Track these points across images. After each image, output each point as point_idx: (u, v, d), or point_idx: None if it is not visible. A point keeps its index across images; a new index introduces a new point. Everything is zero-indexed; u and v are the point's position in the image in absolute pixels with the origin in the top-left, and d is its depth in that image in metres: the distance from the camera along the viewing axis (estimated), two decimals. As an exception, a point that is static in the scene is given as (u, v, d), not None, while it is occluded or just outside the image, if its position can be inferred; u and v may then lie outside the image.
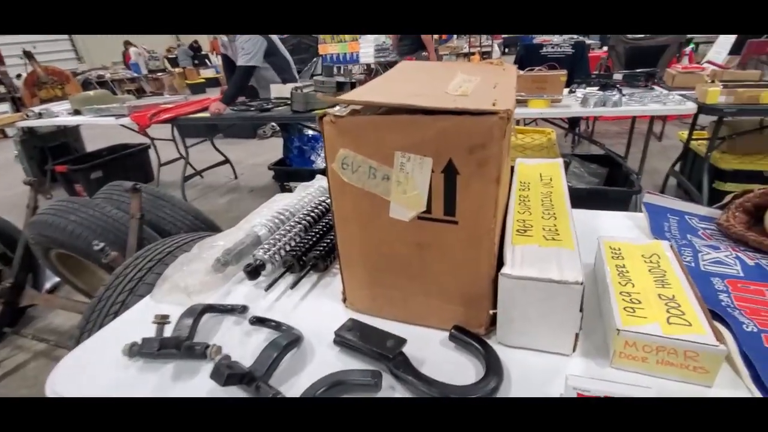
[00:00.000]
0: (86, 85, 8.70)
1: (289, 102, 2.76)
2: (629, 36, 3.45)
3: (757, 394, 0.45)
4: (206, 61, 13.39)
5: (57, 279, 2.14)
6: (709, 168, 2.12)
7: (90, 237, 1.38)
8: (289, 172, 2.88)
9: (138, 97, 4.11)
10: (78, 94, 3.49)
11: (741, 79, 2.11)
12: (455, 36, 10.12)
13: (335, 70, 9.43)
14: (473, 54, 8.12)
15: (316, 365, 0.54)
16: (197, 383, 0.52)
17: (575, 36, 4.84)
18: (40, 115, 3.48)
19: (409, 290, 0.58)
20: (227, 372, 0.46)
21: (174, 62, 13.04)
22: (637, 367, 0.49)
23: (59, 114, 3.42)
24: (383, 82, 0.62)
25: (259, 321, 0.59)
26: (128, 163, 3.68)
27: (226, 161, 3.78)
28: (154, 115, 2.82)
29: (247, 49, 2.81)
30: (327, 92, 2.51)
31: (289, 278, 0.73)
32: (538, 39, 4.90)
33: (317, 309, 0.66)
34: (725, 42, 3.94)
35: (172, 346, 0.54)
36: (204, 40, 15.49)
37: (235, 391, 0.50)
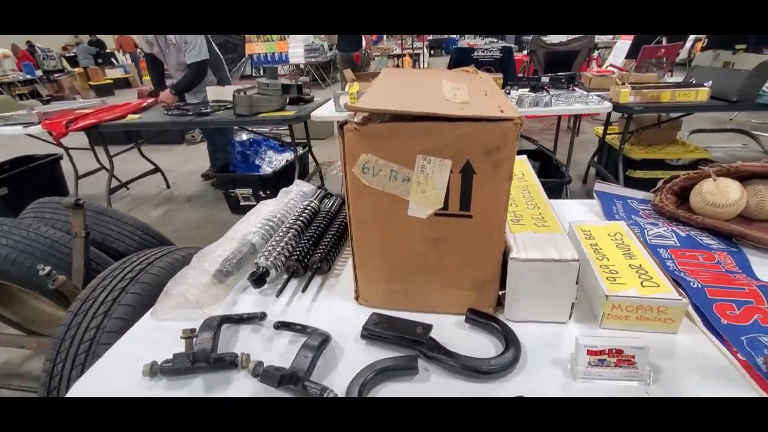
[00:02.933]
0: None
1: (229, 105, 2.65)
2: (548, 42, 3.85)
3: (710, 336, 0.57)
4: (112, 60, 12.09)
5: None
6: (623, 158, 2.46)
7: (27, 261, 1.22)
8: (236, 178, 2.76)
9: (45, 102, 3.61)
10: (-33, 100, 2.99)
11: (642, 82, 2.48)
12: (385, 37, 10.33)
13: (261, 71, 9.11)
14: (404, 56, 8.37)
15: (349, 359, 0.56)
16: (233, 392, 0.52)
17: (495, 40, 5.24)
18: None
19: (424, 282, 0.63)
20: (278, 374, 0.47)
21: (73, 61, 11.59)
22: (621, 325, 0.59)
23: (-59, 123, 2.90)
24: (383, 89, 0.66)
25: (284, 325, 0.60)
26: (37, 177, 3.24)
27: (157, 170, 3.49)
28: (71, 121, 2.52)
29: (192, 43, 2.70)
30: (273, 95, 2.45)
31: (294, 283, 0.74)
32: (468, 43, 5.21)
33: (330, 308, 0.68)
34: (622, 47, 4.56)
35: (203, 359, 0.53)
36: (108, 37, 14.01)
37: (277, 393, 0.51)
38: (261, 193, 2.75)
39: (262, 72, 9.16)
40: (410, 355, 0.53)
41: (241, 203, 2.83)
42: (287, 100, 2.60)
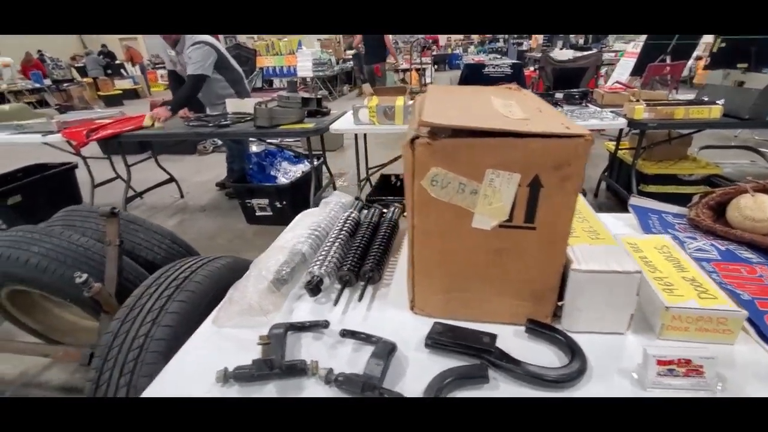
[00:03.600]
0: (-26, 96, 7.51)
1: (248, 117, 2.69)
2: (556, 59, 3.93)
3: (764, 345, 0.59)
4: (121, 71, 12.28)
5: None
6: (636, 173, 2.50)
7: (59, 269, 1.23)
8: (253, 188, 2.78)
9: (62, 112, 3.67)
10: (-11, 109, 3.04)
11: (654, 99, 2.53)
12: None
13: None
14: (411, 70, 8.51)
15: (415, 367, 0.58)
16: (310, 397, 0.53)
17: (499, 56, 5.32)
18: (-67, 132, 2.96)
19: (483, 292, 0.65)
20: (360, 380, 0.48)
21: (82, 71, 11.76)
22: (679, 336, 0.60)
23: (-39, 131, 2.94)
24: (442, 105, 0.69)
25: (350, 334, 0.61)
26: (51, 185, 3.26)
27: (172, 180, 3.53)
28: (92, 131, 2.56)
29: (195, 58, 2.72)
30: (293, 107, 2.50)
31: (346, 292, 0.75)
32: (474, 59, 5.30)
33: (385, 317, 0.69)
34: (626, 65, 4.65)
35: (277, 366, 0.54)
36: (118, 49, 14.24)
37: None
38: (277, 203, 2.77)
39: (270, 85, 9.31)
40: (479, 363, 0.54)
41: (257, 213, 2.85)
42: (306, 113, 2.64)
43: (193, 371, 0.59)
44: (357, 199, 1.09)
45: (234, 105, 2.81)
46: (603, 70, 4.46)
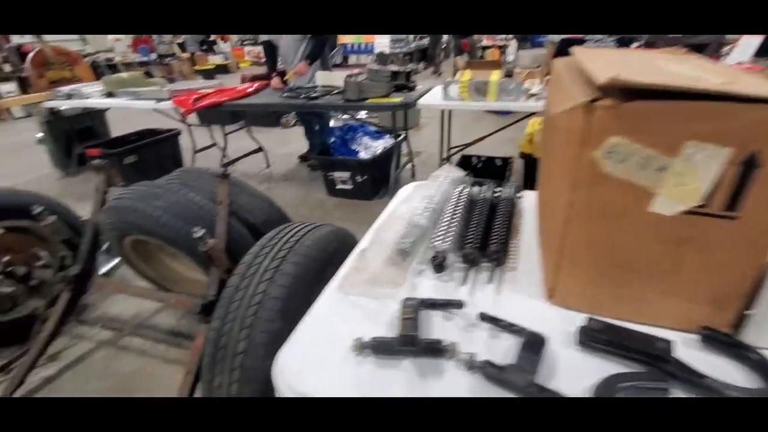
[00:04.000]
0: (95, 67, 8.54)
1: (335, 91, 2.71)
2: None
3: None
4: (213, 47, 13.18)
5: (110, 265, 2.11)
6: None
7: (178, 224, 1.34)
8: (335, 162, 2.83)
9: (170, 81, 4.02)
10: (112, 76, 3.42)
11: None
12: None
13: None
14: (491, 47, 8.06)
15: (568, 366, 0.51)
16: (448, 382, 0.50)
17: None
18: (69, 96, 3.40)
19: (644, 288, 0.55)
20: (518, 375, 0.43)
21: (182, 47, 12.83)
22: None
23: (90, 95, 3.35)
24: (608, 66, 0.58)
25: (490, 319, 0.56)
26: (160, 148, 3.62)
27: (260, 149, 3.72)
28: (198, 100, 2.76)
29: None
30: (382, 81, 2.46)
31: (471, 272, 0.70)
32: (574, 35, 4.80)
33: (519, 305, 0.63)
34: (748, 45, 3.90)
35: (415, 343, 0.51)
36: (211, 26, 15.17)
37: (497, 391, 0.47)
38: (358, 177, 2.79)
39: (346, 61, 9.40)
40: (658, 372, 0.46)
41: (337, 186, 2.90)
42: (393, 87, 2.59)
43: (325, 336, 0.58)
44: (468, 174, 1.02)
45: (323, 78, 2.84)
46: (725, 49, 3.78)
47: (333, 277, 0.71)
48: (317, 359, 0.54)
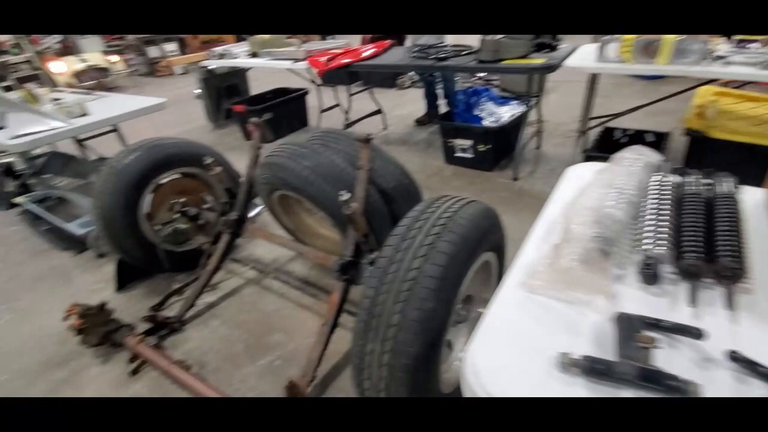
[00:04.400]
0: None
1: (465, 51, 2.52)
2: None
3: None
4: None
5: (253, 213, 2.37)
6: None
7: (323, 185, 1.41)
8: (459, 128, 2.70)
9: (303, 41, 4.22)
10: (257, 37, 3.69)
11: None
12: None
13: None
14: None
15: None
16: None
17: None
18: (221, 56, 3.79)
19: None
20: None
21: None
22: None
23: (238, 56, 3.68)
24: None
25: (747, 363, 0.44)
26: (291, 106, 3.88)
27: (379, 111, 3.75)
28: (330, 60, 2.83)
29: None
30: (522, 39, 2.20)
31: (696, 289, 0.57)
32: None
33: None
34: None
35: (653, 379, 0.42)
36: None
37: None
38: (480, 146, 2.63)
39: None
40: None
41: (456, 153, 2.79)
42: (533, 47, 2.31)
43: (514, 339, 0.53)
44: (665, 159, 0.84)
45: (454, 37, 2.66)
46: None
47: (487, 263, 0.65)
48: (514, 366, 0.49)
